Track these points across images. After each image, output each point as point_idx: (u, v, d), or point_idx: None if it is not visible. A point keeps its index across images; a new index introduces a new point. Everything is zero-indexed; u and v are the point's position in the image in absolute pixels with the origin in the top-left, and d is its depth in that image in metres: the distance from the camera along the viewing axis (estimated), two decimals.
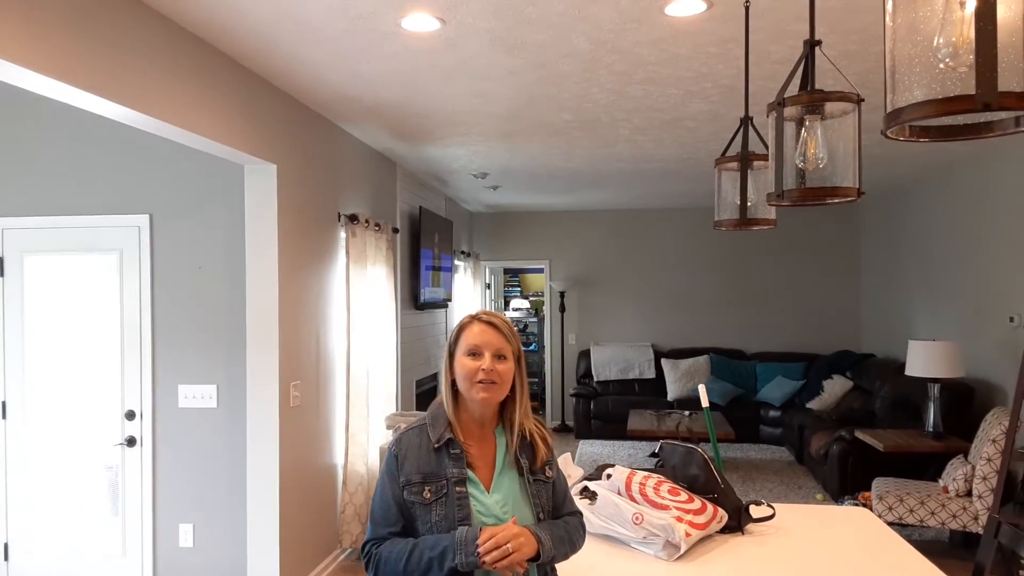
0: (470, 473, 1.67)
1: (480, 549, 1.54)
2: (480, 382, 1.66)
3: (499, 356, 1.68)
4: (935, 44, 0.98)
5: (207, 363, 3.99)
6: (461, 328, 1.73)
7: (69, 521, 4.12)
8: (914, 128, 1.14)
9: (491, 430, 1.75)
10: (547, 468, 1.75)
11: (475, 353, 1.68)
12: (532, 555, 1.60)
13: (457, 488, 1.64)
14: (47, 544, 4.13)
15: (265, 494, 3.81)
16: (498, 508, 1.67)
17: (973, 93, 0.92)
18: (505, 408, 1.74)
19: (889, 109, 1.03)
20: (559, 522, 1.75)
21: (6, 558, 4.16)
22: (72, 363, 4.09)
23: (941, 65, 0.97)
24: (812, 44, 1.74)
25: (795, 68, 1.76)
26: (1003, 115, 1.08)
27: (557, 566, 1.79)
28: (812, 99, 1.69)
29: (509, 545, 1.55)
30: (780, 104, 1.70)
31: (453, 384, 1.72)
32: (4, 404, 4.15)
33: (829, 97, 1.67)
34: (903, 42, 1.02)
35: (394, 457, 1.69)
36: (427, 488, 1.64)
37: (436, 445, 1.67)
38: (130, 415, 4.04)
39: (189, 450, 4.01)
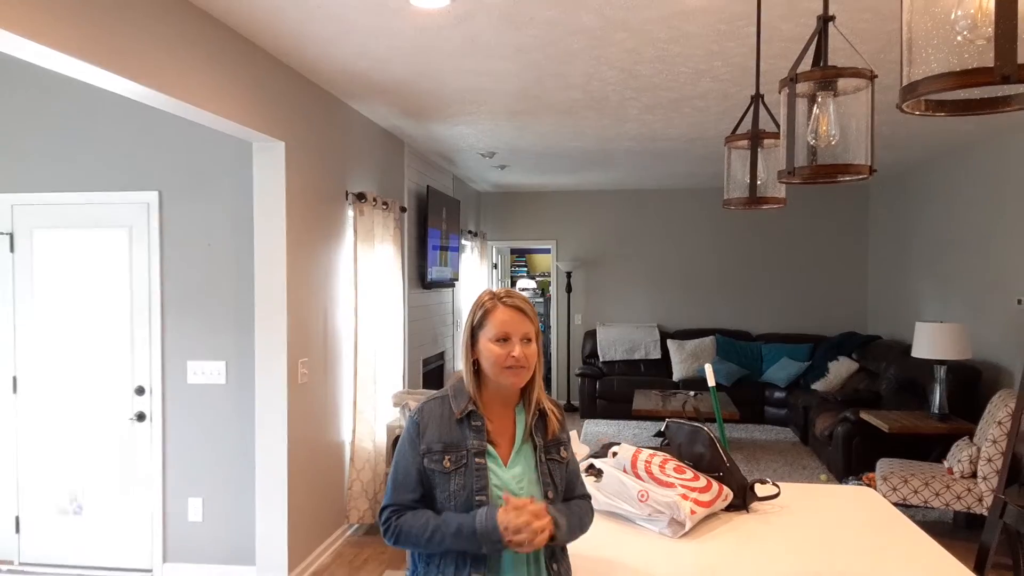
0: (490, 447, 1.69)
1: (503, 532, 1.55)
2: (509, 367, 1.67)
3: (526, 340, 1.69)
4: (953, 16, 0.97)
5: (216, 339, 4.01)
6: (486, 311, 1.70)
7: (79, 495, 4.16)
8: (930, 102, 1.13)
9: (513, 407, 1.76)
10: (562, 448, 1.77)
11: (504, 339, 1.67)
12: (548, 538, 1.61)
13: (476, 459, 1.66)
14: (58, 518, 4.18)
15: (274, 469, 3.84)
16: (514, 483, 1.68)
17: (991, 66, 0.91)
18: (526, 386, 1.75)
19: (905, 82, 1.02)
20: (573, 506, 1.76)
21: (17, 531, 4.21)
22: (82, 339, 4.12)
23: (959, 38, 0.96)
24: (825, 19, 1.72)
25: (808, 43, 1.73)
26: (1021, 88, 1.07)
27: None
28: (825, 75, 1.67)
29: (535, 525, 1.56)
30: (792, 80, 1.69)
31: (475, 363, 1.72)
32: (15, 379, 4.18)
33: (842, 73, 1.65)
34: (920, 14, 1.01)
35: (415, 425, 1.70)
36: (447, 457, 1.65)
37: (459, 417, 1.69)
38: (140, 391, 4.07)
39: (198, 425, 4.04)
